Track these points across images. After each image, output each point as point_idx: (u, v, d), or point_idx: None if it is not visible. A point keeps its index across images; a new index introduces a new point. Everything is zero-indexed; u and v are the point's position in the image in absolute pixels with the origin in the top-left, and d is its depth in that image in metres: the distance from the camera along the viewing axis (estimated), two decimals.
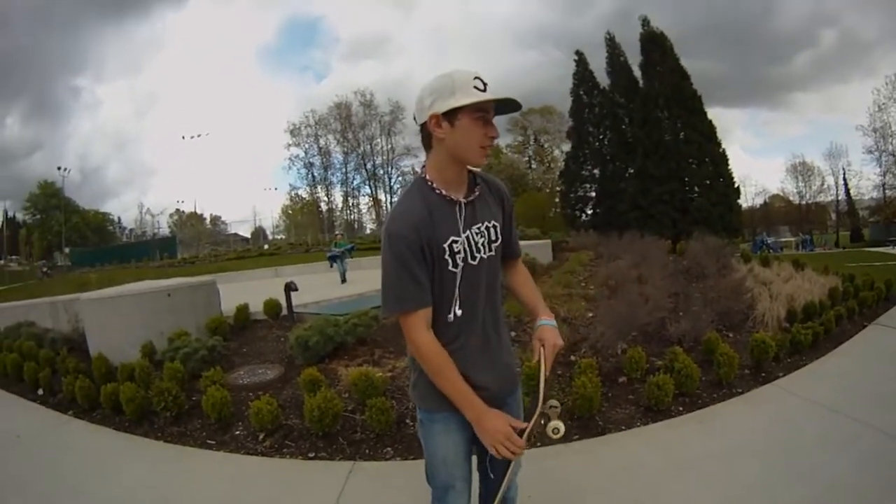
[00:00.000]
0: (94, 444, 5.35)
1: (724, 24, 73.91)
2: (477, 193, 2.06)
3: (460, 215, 1.98)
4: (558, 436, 1.98)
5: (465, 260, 1.97)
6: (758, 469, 3.82)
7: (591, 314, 7.42)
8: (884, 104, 46.08)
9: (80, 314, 8.87)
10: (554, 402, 2.01)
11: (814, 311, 7.38)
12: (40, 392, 7.04)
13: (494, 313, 2.12)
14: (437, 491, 2.21)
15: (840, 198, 53.48)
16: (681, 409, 4.91)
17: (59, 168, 65.05)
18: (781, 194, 57.86)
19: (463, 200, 2.00)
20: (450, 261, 1.95)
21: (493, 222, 2.07)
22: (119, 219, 79.34)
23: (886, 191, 47.62)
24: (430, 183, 1.99)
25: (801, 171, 55.30)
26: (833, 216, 55.30)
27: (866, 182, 50.24)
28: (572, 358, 5.93)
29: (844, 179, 52.20)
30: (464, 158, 1.96)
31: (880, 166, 47.59)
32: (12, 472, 4.86)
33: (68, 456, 5.11)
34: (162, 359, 6.70)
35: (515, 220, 2.29)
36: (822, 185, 54.42)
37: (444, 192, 1.98)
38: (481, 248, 2.01)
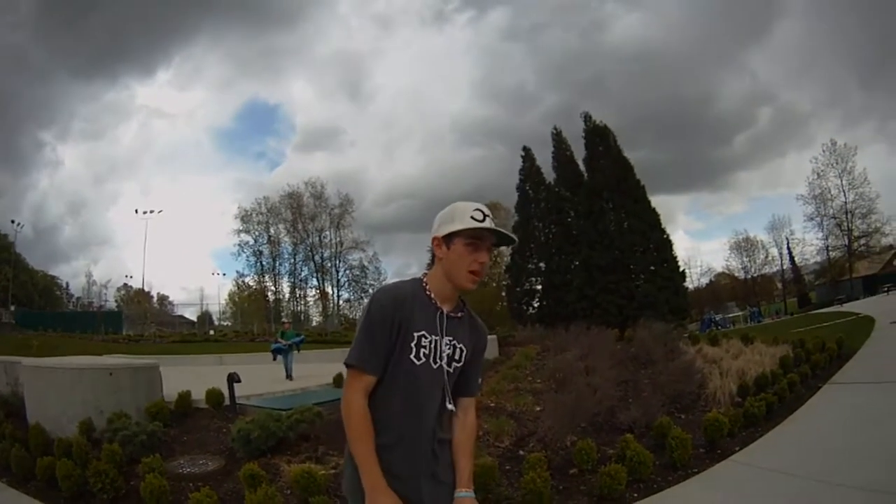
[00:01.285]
0: None
1: (663, 113, 77.02)
2: (459, 315, 2.14)
3: (439, 321, 2.06)
4: None
5: (427, 358, 2.03)
6: None
7: (538, 408, 7.40)
8: (822, 171, 48.05)
9: (20, 378, 8.75)
10: None
11: (766, 382, 7.45)
12: None
13: (443, 429, 2.15)
14: None
15: (785, 266, 55.49)
16: (635, 495, 4.86)
17: (12, 221, 63.12)
18: (727, 271, 59.56)
19: (446, 311, 2.08)
20: (414, 350, 2.01)
21: (461, 345, 2.12)
22: (67, 284, 76.94)
23: (830, 252, 49.40)
24: (424, 284, 2.11)
25: (745, 246, 57.16)
26: (780, 285, 57.04)
27: (809, 248, 51.64)
28: (521, 453, 5.87)
29: (788, 248, 54.18)
30: (454, 279, 2.05)
31: (822, 230, 49.39)
32: None
33: None
34: (100, 438, 6.60)
35: (481, 363, 2.35)
36: (767, 257, 56.30)
37: (432, 296, 2.08)
38: (445, 357, 2.07)
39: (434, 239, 2.10)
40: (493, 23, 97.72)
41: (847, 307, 23.29)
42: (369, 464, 1.96)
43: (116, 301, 68.83)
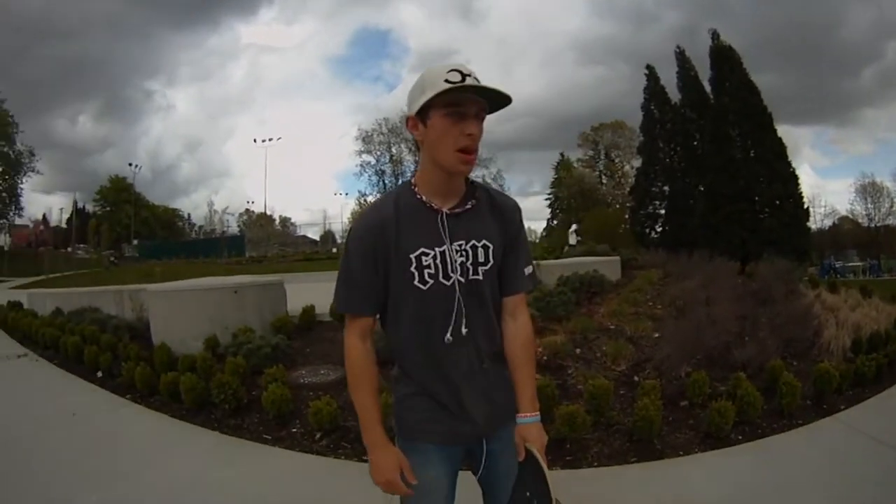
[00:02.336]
0: (150, 429, 5.55)
1: (788, 38, 72.24)
2: (468, 206, 1.84)
3: (441, 226, 1.78)
4: None
5: (434, 277, 1.78)
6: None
7: (657, 334, 7.37)
8: None
9: (145, 304, 9.12)
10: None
11: (879, 341, 7.19)
12: (99, 374, 7.26)
13: (491, 343, 1.91)
14: None
15: None
16: (740, 437, 4.85)
17: (130, 164, 67.69)
18: (850, 216, 55.94)
19: (446, 210, 1.80)
20: (416, 274, 1.76)
21: (483, 241, 1.83)
22: (189, 215, 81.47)
23: None
24: (413, 187, 1.83)
25: (871, 191, 53.40)
26: None
27: None
28: (636, 378, 5.95)
29: None
30: (441, 163, 1.74)
31: None
32: (64, 448, 5.08)
33: (121, 438, 5.33)
34: (224, 353, 6.82)
35: (524, 248, 1.99)
36: (892, 206, 52.40)
37: (425, 198, 1.80)
38: (459, 268, 1.79)
39: (408, 120, 1.78)
40: None
41: None
42: (367, 416, 1.85)
43: (239, 226, 71.95)
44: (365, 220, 1.81)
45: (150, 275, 20.11)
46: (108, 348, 7.72)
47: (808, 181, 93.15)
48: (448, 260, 1.77)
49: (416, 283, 1.77)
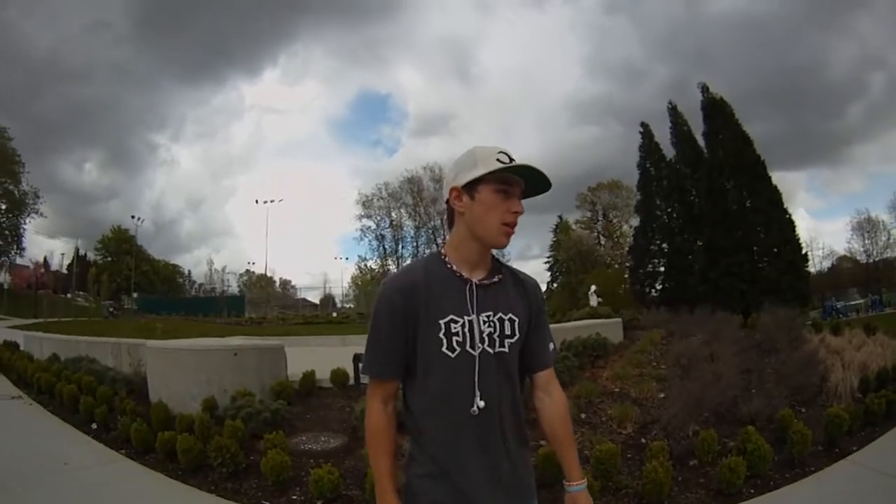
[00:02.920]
0: (145, 486, 5.46)
1: (773, 84, 73.66)
2: (496, 279, 1.84)
3: (469, 296, 1.77)
4: None
5: (462, 346, 1.74)
6: None
7: (662, 395, 7.35)
8: None
9: (143, 359, 9.05)
10: None
11: (887, 377, 7.22)
12: (94, 426, 7.15)
13: (515, 417, 1.85)
14: None
15: None
16: (752, 491, 4.80)
17: (133, 216, 67.47)
18: (849, 254, 55.95)
19: (475, 281, 1.80)
20: (444, 341, 1.73)
21: (510, 315, 1.81)
22: (189, 272, 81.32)
23: None
24: (443, 257, 1.83)
25: (867, 227, 53.54)
26: None
27: None
28: (643, 440, 5.91)
29: None
30: (483, 236, 1.77)
31: None
32: (53, 498, 4.99)
33: (114, 492, 5.24)
34: (223, 415, 6.77)
35: (547, 325, 2.01)
36: (889, 239, 52.46)
37: (455, 268, 1.80)
38: (486, 339, 1.76)
39: (453, 190, 1.79)
40: None
41: None
42: (383, 481, 1.81)
43: (239, 286, 71.92)
44: (396, 281, 1.81)
45: (151, 330, 19.86)
46: (105, 401, 7.65)
47: (805, 225, 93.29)
48: (476, 330, 1.75)
49: (444, 349, 1.73)
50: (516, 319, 1.82)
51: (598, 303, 20.22)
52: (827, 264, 57.71)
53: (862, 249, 54.03)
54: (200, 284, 77.29)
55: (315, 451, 6.08)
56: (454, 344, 1.73)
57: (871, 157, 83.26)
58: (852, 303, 43.73)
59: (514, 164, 1.72)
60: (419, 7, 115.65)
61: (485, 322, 1.76)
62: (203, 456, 5.56)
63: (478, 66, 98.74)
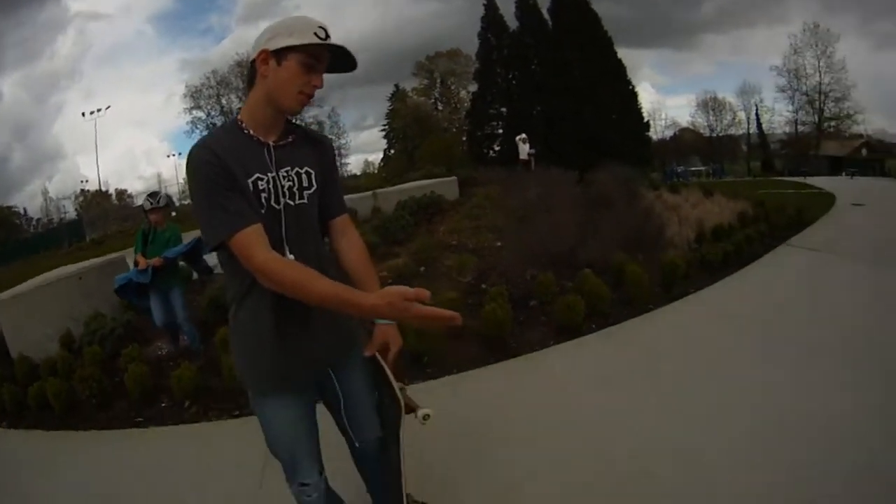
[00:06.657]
0: (27, 449, 4.90)
1: None
2: (290, 139, 1.90)
3: (268, 156, 1.82)
4: (428, 421, 1.95)
5: (268, 202, 1.80)
6: (672, 375, 3.93)
7: (499, 244, 7.44)
8: (799, 48, 47.64)
9: None
10: (402, 385, 1.98)
11: (723, 233, 7.55)
12: None
13: (318, 264, 1.83)
14: (284, 465, 2.08)
15: (752, 131, 55.15)
16: (593, 326, 5.02)
17: None
18: (692, 127, 59.08)
19: (272, 143, 1.85)
20: (254, 198, 1.77)
21: (306, 168, 1.90)
22: (25, 210, 75.36)
23: (799, 126, 49.60)
24: (240, 123, 1.84)
25: (712, 105, 56.30)
26: (745, 148, 56.67)
27: (779, 118, 51.68)
28: (483, 286, 5.95)
29: (757, 114, 53.69)
30: (279, 101, 1.80)
31: (793, 104, 49.31)
32: None
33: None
34: (81, 345, 6.51)
35: (339, 180, 2.13)
36: (734, 119, 55.71)
37: (252, 132, 1.83)
38: (287, 192, 1.84)
39: (261, 53, 1.77)
40: None
41: (810, 181, 23.07)
42: (340, 296, 1.60)
43: (76, 209, 67.34)
44: (208, 145, 1.75)
45: None
46: None
47: (650, 97, 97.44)
48: (278, 185, 1.82)
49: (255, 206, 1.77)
50: (312, 172, 1.91)
51: (530, 154, 19.54)
52: (669, 133, 60.82)
53: (706, 124, 57.20)
54: (38, 219, 71.92)
55: (172, 354, 6.00)
56: (262, 200, 1.78)
57: (721, 48, 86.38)
58: (694, 168, 46.61)
59: (328, 41, 1.76)
60: None
61: (284, 177, 1.84)
62: (73, 394, 5.29)
63: None
